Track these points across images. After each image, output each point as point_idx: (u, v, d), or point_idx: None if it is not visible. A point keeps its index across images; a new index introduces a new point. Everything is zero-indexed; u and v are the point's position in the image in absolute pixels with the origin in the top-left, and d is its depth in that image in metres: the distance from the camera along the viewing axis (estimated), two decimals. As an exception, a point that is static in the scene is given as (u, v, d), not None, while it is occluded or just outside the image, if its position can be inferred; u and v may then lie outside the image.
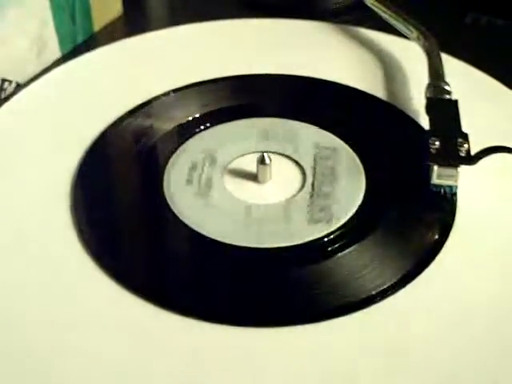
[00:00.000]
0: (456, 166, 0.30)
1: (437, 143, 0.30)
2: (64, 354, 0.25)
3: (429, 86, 0.34)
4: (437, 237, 0.29)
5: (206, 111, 0.36)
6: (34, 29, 0.40)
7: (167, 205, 0.31)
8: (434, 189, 0.30)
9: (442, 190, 0.31)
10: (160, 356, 0.25)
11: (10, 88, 0.39)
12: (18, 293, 0.27)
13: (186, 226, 0.30)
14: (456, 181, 0.30)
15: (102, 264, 0.28)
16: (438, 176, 0.30)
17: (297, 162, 0.33)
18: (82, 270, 0.28)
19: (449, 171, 0.30)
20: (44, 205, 0.31)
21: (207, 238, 0.29)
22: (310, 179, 0.32)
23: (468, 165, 0.30)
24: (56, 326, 0.26)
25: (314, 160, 0.33)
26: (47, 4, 0.41)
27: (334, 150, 0.34)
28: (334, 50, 0.41)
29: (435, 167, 0.30)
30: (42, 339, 0.26)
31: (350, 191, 0.31)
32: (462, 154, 0.30)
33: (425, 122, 0.33)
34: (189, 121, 0.36)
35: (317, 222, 0.30)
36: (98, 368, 0.25)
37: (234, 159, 0.33)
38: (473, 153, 0.30)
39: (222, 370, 0.25)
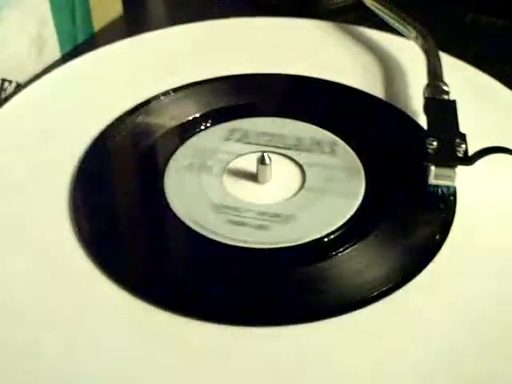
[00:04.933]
0: (453, 166, 0.30)
1: (434, 143, 0.30)
2: (64, 355, 0.25)
3: (427, 86, 0.35)
4: (436, 236, 0.29)
5: (206, 111, 0.36)
6: (33, 29, 0.40)
7: (167, 204, 0.31)
8: (432, 189, 0.30)
9: (440, 191, 0.31)
10: (160, 356, 0.25)
11: (10, 88, 0.39)
12: (16, 293, 0.27)
13: (185, 225, 0.30)
14: (453, 181, 0.30)
15: (101, 264, 0.28)
16: (436, 176, 0.30)
17: (297, 162, 0.33)
18: (81, 270, 0.28)
19: (446, 171, 0.30)
20: (43, 204, 0.31)
21: (207, 237, 0.29)
22: (309, 179, 0.32)
23: (465, 165, 0.30)
24: (55, 326, 0.26)
25: (314, 160, 0.33)
26: (47, 4, 0.41)
27: (334, 149, 0.34)
28: (333, 50, 0.41)
29: (432, 167, 0.30)
30: (41, 340, 0.26)
31: (349, 191, 0.31)
32: (460, 155, 0.30)
33: (424, 121, 0.33)
34: (189, 120, 0.36)
35: (316, 222, 0.30)
36: (97, 368, 0.25)
37: (234, 159, 0.33)
38: (471, 153, 0.30)
39: (222, 369, 0.25)
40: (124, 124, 0.35)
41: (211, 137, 0.35)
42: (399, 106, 0.36)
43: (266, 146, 0.34)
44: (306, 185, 0.32)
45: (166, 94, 0.37)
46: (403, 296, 0.27)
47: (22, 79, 0.40)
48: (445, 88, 0.34)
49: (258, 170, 0.32)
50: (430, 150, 0.30)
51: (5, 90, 0.39)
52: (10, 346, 0.26)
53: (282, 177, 0.32)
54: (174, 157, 0.33)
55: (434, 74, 0.35)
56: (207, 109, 0.36)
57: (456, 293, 0.27)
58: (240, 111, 0.36)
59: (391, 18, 0.41)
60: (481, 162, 0.30)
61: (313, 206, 0.31)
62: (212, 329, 0.26)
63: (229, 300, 0.27)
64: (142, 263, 0.29)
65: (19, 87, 0.39)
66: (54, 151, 0.34)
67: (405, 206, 0.31)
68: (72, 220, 0.30)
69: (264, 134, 0.35)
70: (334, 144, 0.34)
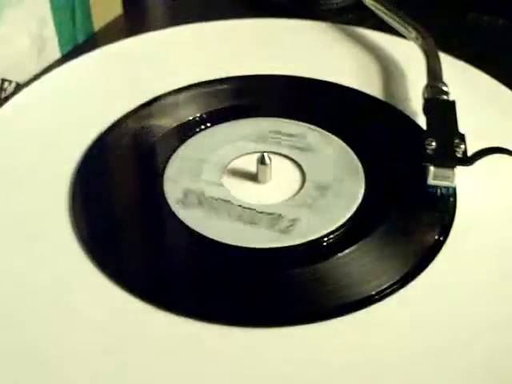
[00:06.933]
0: (452, 166, 0.30)
1: (433, 144, 0.31)
2: (63, 356, 0.25)
3: (426, 87, 0.35)
4: (436, 237, 0.29)
5: (206, 111, 0.36)
6: (33, 29, 0.40)
7: (167, 205, 0.31)
8: (431, 189, 0.30)
9: (439, 191, 0.31)
10: (160, 356, 0.25)
11: (10, 88, 0.39)
12: (16, 294, 0.27)
13: (186, 226, 0.30)
14: (453, 181, 0.30)
15: (101, 265, 0.28)
16: (435, 177, 0.30)
17: (296, 162, 0.33)
18: (81, 271, 0.28)
19: (445, 172, 0.30)
20: (43, 205, 0.31)
21: (207, 238, 0.29)
22: (309, 179, 0.32)
23: (464, 166, 0.30)
24: (55, 326, 0.26)
25: (314, 160, 0.33)
26: (47, 4, 0.41)
27: (334, 150, 0.34)
28: (333, 50, 0.41)
29: (431, 168, 0.30)
30: (40, 339, 0.26)
31: (349, 191, 0.31)
32: (459, 155, 0.30)
33: (423, 122, 0.33)
34: (189, 121, 0.36)
35: (316, 221, 0.30)
36: (97, 368, 0.25)
37: (234, 159, 0.33)
38: (470, 153, 0.30)
39: (222, 369, 0.25)
40: (124, 124, 0.35)
41: (211, 137, 0.35)
42: (399, 106, 0.36)
43: (266, 146, 0.34)
44: (306, 185, 0.32)
45: (166, 94, 0.37)
46: (403, 297, 0.27)
47: (21, 79, 0.40)
48: (444, 89, 0.34)
49: (258, 170, 0.32)
50: (429, 151, 0.30)
51: (5, 90, 0.39)
52: (9, 347, 0.26)
53: (282, 177, 0.33)
54: (174, 157, 0.33)
55: (434, 75, 0.35)
56: (207, 109, 0.36)
57: (456, 293, 0.27)
58: (240, 112, 0.36)
59: (391, 18, 0.41)
60: (480, 163, 0.30)
61: (313, 206, 0.31)
62: (212, 329, 0.26)
63: (229, 300, 0.27)
64: (142, 264, 0.29)
65: (19, 87, 0.39)
66: (54, 151, 0.34)
67: (404, 206, 0.31)
68: (72, 220, 0.30)
69: (264, 134, 0.35)
70: (334, 144, 0.34)
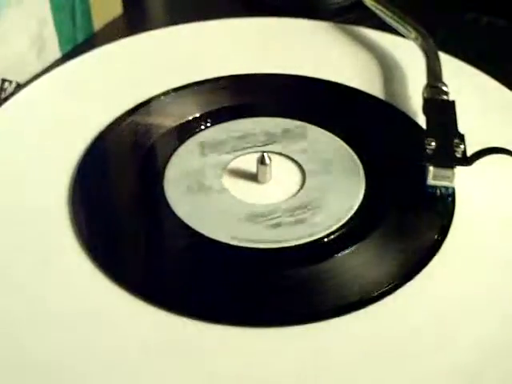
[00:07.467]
0: (452, 166, 0.30)
1: (433, 144, 0.31)
2: (64, 356, 0.25)
3: (426, 87, 0.35)
4: (436, 236, 0.29)
5: (205, 111, 0.36)
6: (33, 29, 0.40)
7: (167, 204, 0.31)
8: (430, 189, 0.31)
9: (438, 191, 0.31)
10: (160, 356, 0.25)
11: (9, 88, 0.39)
12: (15, 291, 0.27)
13: (185, 225, 0.30)
14: (452, 182, 0.30)
15: (101, 265, 0.28)
16: (434, 177, 0.30)
17: (297, 162, 0.33)
18: (81, 271, 0.28)
19: (444, 172, 0.30)
20: (43, 203, 0.31)
21: (207, 237, 0.29)
22: (309, 179, 0.32)
23: (464, 166, 0.30)
24: (55, 327, 0.26)
25: (314, 160, 0.33)
26: (47, 4, 0.41)
27: (334, 149, 0.34)
28: (333, 50, 0.41)
29: (431, 168, 0.30)
30: (41, 340, 0.26)
31: (349, 191, 0.31)
32: (458, 155, 0.30)
33: (423, 121, 0.33)
34: (189, 120, 0.36)
35: (316, 221, 0.30)
36: (96, 367, 0.25)
37: (234, 159, 0.33)
38: (470, 153, 0.30)
39: (222, 369, 0.25)
40: (124, 124, 0.35)
41: (211, 137, 0.35)
42: (399, 106, 0.36)
43: (266, 145, 0.34)
44: (306, 185, 0.32)
45: (165, 93, 0.37)
46: (403, 296, 0.27)
47: (21, 79, 0.40)
48: (444, 89, 0.34)
49: (257, 170, 0.32)
50: (428, 151, 0.30)
51: (5, 90, 0.39)
52: (8, 349, 0.26)
53: (282, 177, 0.33)
54: (174, 157, 0.33)
55: (434, 75, 0.35)
56: (207, 109, 0.36)
57: (455, 293, 0.27)
58: (240, 111, 0.36)
59: (391, 18, 0.41)
60: (479, 163, 0.30)
61: (312, 206, 0.31)
62: (212, 329, 0.26)
63: (229, 300, 0.27)
64: (142, 263, 0.29)
65: (19, 87, 0.39)
66: (54, 151, 0.34)
67: (404, 206, 0.31)
68: (72, 220, 0.30)
69: (264, 133, 0.35)
70: (334, 144, 0.34)
